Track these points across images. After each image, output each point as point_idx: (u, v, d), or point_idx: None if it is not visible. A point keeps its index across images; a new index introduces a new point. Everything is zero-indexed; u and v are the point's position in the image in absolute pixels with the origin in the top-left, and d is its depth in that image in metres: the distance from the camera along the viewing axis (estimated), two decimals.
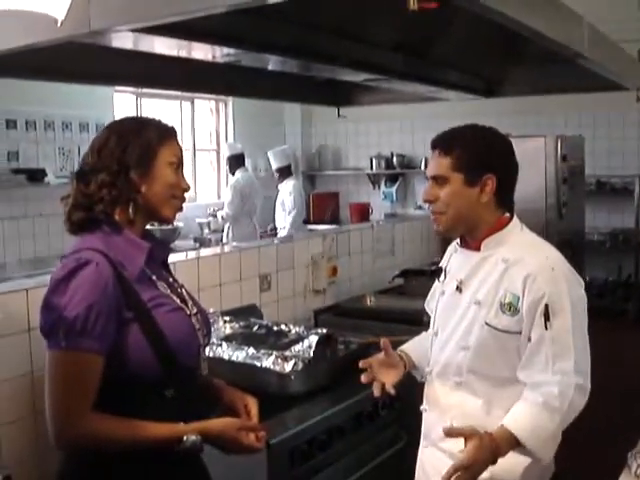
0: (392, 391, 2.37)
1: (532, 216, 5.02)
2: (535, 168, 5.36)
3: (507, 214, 2.31)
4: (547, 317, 2.10)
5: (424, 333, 2.60)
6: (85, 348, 1.78)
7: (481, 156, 2.24)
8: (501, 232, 2.27)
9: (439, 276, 2.46)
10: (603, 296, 7.58)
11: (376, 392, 2.37)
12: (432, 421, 2.37)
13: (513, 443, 2.09)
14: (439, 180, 2.25)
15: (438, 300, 2.42)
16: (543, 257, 2.21)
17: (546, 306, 2.10)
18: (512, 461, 2.16)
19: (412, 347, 2.57)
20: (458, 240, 2.40)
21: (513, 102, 6.14)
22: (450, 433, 2.12)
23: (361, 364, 2.43)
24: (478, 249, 2.29)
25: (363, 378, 2.39)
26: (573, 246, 5.58)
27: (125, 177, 1.91)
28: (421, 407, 2.44)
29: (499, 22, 2.42)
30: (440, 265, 2.49)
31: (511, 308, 2.15)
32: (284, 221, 8.19)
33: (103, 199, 1.90)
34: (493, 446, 2.05)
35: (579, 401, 2.12)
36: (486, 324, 2.18)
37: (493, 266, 2.22)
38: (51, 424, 1.81)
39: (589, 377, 2.15)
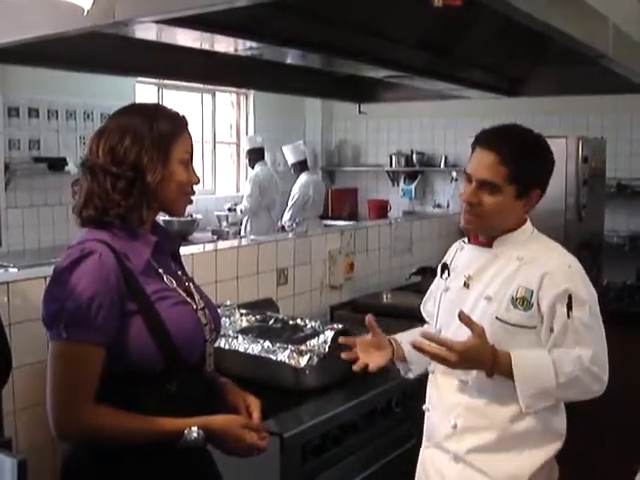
0: (374, 369, 2.35)
1: (551, 217, 5.03)
2: (555, 169, 5.27)
3: (526, 216, 2.32)
4: (570, 307, 2.11)
5: (419, 328, 2.57)
6: (86, 339, 1.76)
7: (536, 172, 2.24)
8: (515, 232, 2.27)
9: (442, 273, 2.43)
10: (621, 300, 7.51)
11: (355, 367, 2.33)
12: (435, 421, 2.35)
13: (507, 369, 2.12)
14: (489, 186, 2.17)
15: (441, 297, 2.40)
16: (559, 256, 2.24)
17: (569, 296, 2.11)
18: (517, 465, 2.19)
19: (405, 338, 2.50)
20: (464, 238, 2.40)
21: (535, 102, 6.11)
22: (464, 318, 2.14)
23: (341, 339, 2.42)
24: (489, 245, 2.28)
25: (344, 355, 2.36)
26: (592, 248, 5.55)
27: (141, 183, 1.87)
28: (424, 407, 2.42)
29: (523, 21, 2.41)
30: (444, 262, 2.46)
31: (524, 302, 2.15)
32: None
33: (119, 205, 1.86)
34: (492, 357, 2.11)
35: (590, 384, 2.13)
36: (497, 319, 2.18)
37: (506, 263, 2.22)
38: (51, 415, 1.80)
39: (607, 373, 2.15)
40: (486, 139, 2.23)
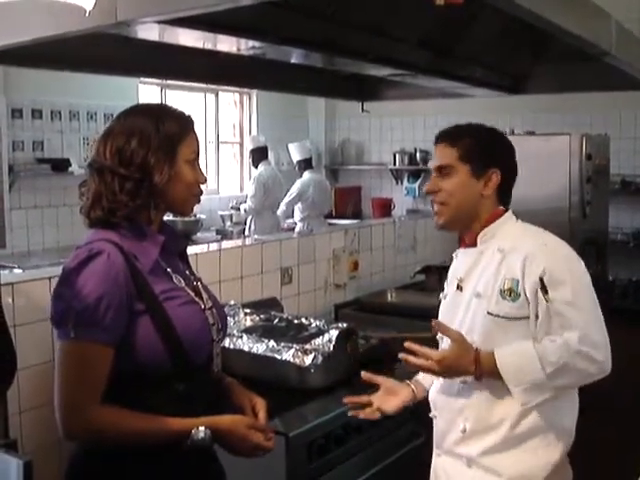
0: (390, 412, 2.41)
1: (555, 214, 5.03)
2: (559, 166, 5.32)
3: (501, 207, 2.32)
4: (545, 290, 2.10)
5: None
6: (94, 339, 1.77)
7: (488, 149, 2.28)
8: (494, 224, 2.28)
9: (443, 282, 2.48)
10: (626, 296, 7.50)
11: (362, 414, 2.40)
12: (443, 427, 2.33)
13: (494, 369, 2.11)
14: (445, 170, 2.27)
15: (440, 303, 2.42)
16: (537, 238, 2.24)
17: (541, 279, 2.10)
18: (530, 464, 2.17)
19: (424, 376, 2.48)
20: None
21: (538, 100, 6.10)
22: (440, 327, 2.18)
23: (351, 411, 2.44)
24: (474, 244, 2.30)
25: (360, 414, 2.40)
26: (596, 245, 5.54)
27: (149, 184, 1.88)
28: (430, 414, 2.41)
29: (525, 18, 2.41)
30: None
31: (511, 293, 2.14)
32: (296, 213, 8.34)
33: (127, 205, 1.87)
34: (475, 361, 2.11)
35: (585, 367, 2.09)
36: (488, 313, 2.18)
37: (490, 258, 2.23)
38: (59, 415, 1.81)
39: (603, 350, 2.11)
40: (438, 135, 2.35)
